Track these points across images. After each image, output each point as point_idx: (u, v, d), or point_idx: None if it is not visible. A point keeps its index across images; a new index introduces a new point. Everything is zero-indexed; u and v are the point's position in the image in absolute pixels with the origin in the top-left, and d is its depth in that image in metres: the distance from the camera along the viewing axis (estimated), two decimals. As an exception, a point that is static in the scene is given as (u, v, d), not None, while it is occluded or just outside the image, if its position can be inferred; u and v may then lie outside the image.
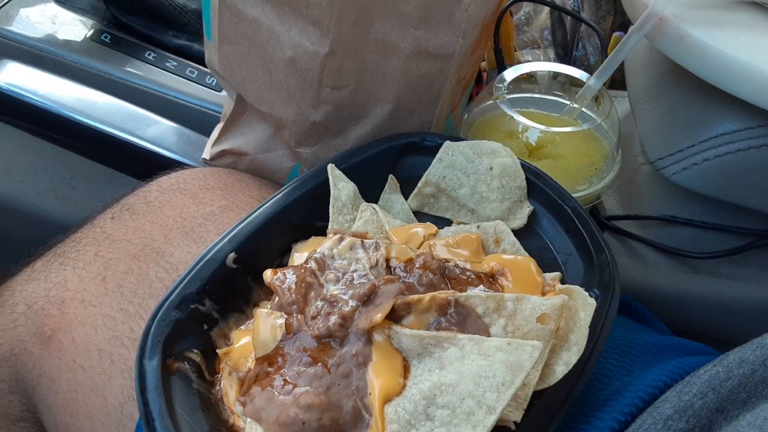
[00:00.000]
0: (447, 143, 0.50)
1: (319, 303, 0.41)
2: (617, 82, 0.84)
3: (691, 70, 0.53)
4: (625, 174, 0.66)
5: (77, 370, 0.47)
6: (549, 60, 0.84)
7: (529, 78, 0.65)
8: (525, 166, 0.49)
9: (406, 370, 0.38)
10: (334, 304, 0.41)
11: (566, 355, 0.39)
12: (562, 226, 0.47)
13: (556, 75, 0.65)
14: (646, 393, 0.41)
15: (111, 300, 0.49)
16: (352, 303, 0.40)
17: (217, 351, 0.42)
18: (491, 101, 0.60)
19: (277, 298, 0.42)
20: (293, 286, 0.42)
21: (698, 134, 0.56)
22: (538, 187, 0.48)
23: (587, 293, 0.40)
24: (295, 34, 0.50)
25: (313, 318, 0.40)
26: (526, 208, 0.48)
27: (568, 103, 0.63)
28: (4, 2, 0.81)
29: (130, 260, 0.51)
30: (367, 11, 0.48)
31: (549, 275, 0.44)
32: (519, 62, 0.76)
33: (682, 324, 0.60)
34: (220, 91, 0.81)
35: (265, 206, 0.47)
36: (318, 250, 0.44)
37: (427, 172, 0.50)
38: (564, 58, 0.83)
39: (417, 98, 0.55)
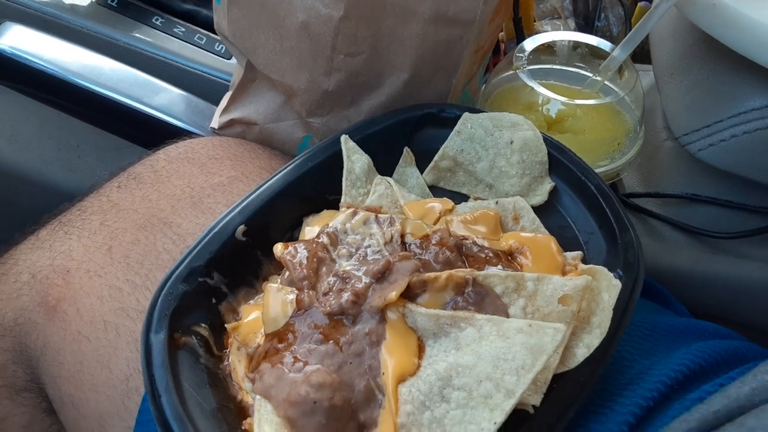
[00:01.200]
0: (466, 115, 0.48)
1: (331, 279, 0.40)
2: (637, 55, 0.82)
3: (723, 41, 0.51)
4: (646, 150, 0.64)
5: (82, 341, 0.46)
6: (569, 31, 0.81)
7: (549, 49, 0.62)
8: (547, 140, 0.47)
9: (420, 350, 0.37)
10: (347, 280, 0.39)
11: (588, 337, 0.37)
12: (584, 204, 0.45)
13: (576, 46, 0.62)
14: (669, 377, 0.40)
15: (117, 271, 0.47)
16: (365, 279, 0.38)
17: (226, 326, 0.41)
18: (510, 72, 0.58)
19: (287, 273, 0.41)
20: (305, 261, 0.40)
21: (727, 109, 0.54)
22: (560, 163, 0.46)
23: (611, 274, 0.38)
24: (308, -3, 0.47)
25: (325, 294, 0.39)
26: (547, 184, 0.46)
27: (589, 75, 0.60)
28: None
29: (137, 230, 0.49)
30: (385, -27, 0.46)
31: (570, 254, 0.43)
32: (538, 33, 0.73)
33: (701, 306, 0.58)
34: (229, 59, 0.79)
35: (276, 177, 0.45)
36: (330, 225, 0.42)
37: (444, 145, 0.48)
38: (585, 28, 0.80)
39: (434, 67, 0.53)
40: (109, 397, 0.44)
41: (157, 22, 0.79)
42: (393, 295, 0.37)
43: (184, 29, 0.79)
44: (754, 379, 0.37)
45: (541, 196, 0.46)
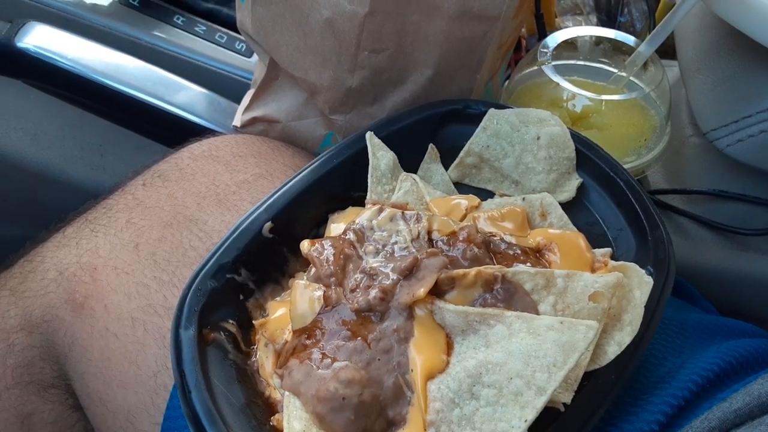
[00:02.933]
0: (491, 111, 0.47)
1: (358, 275, 0.40)
2: (661, 50, 0.80)
3: (751, 35, 0.50)
4: (672, 146, 0.63)
5: (110, 338, 0.46)
6: (591, 26, 0.80)
7: (571, 45, 0.61)
8: (574, 136, 0.46)
9: (449, 347, 0.37)
10: (374, 277, 0.39)
11: (619, 335, 0.37)
12: (613, 200, 0.44)
13: (599, 41, 0.62)
14: (700, 376, 0.39)
15: (144, 268, 0.48)
16: (393, 276, 0.38)
17: (253, 322, 0.41)
18: (534, 68, 0.57)
19: (314, 270, 0.41)
20: (331, 258, 0.40)
21: (755, 104, 0.53)
22: (588, 158, 0.45)
23: (643, 271, 0.37)
24: (333, -6, 0.47)
25: (352, 291, 0.39)
26: (575, 180, 0.46)
27: (613, 70, 0.60)
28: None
29: (163, 228, 0.49)
30: (410, -31, 0.46)
31: (599, 251, 0.42)
32: (559, 29, 0.73)
33: (728, 303, 0.57)
34: (249, 57, 0.79)
35: (301, 175, 0.45)
36: (357, 221, 0.42)
37: (469, 142, 0.47)
38: (607, 24, 0.79)
39: (458, 63, 0.52)
40: (137, 393, 0.44)
41: (179, 21, 0.79)
42: (421, 291, 0.37)
43: (205, 28, 0.79)
44: None
45: (568, 192, 0.45)
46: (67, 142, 0.72)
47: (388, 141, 0.47)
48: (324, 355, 0.37)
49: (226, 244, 0.41)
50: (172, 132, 0.70)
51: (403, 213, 0.43)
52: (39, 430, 0.51)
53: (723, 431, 0.36)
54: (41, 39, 0.71)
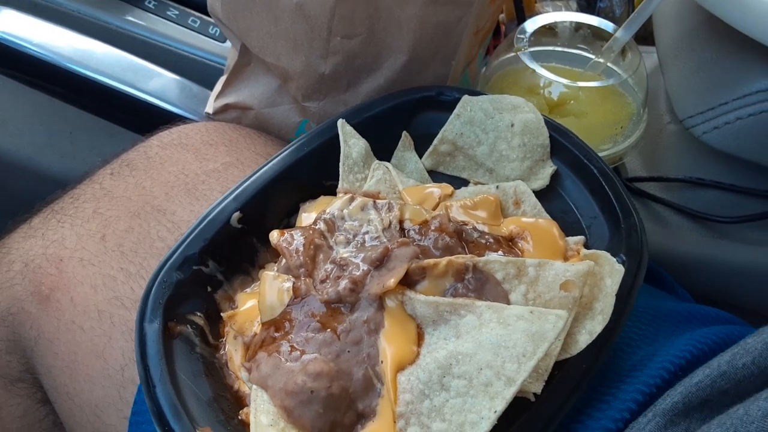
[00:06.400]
0: (465, 98, 0.47)
1: (329, 266, 0.39)
2: (640, 36, 0.80)
3: (729, 21, 0.49)
4: (649, 134, 0.63)
5: (76, 331, 0.45)
6: (571, 12, 0.79)
7: (550, 31, 0.61)
8: (549, 123, 0.45)
9: (420, 338, 0.36)
10: (345, 267, 0.38)
11: (590, 324, 0.37)
12: (587, 188, 0.44)
13: (578, 27, 0.61)
14: (672, 364, 0.39)
15: (111, 259, 0.47)
16: (363, 267, 0.38)
17: (222, 314, 0.41)
18: (511, 54, 0.56)
19: (284, 261, 0.40)
20: (301, 248, 0.40)
21: (732, 91, 0.52)
22: (563, 146, 0.45)
23: (614, 259, 0.37)
24: (303, -23, 0.46)
25: (322, 282, 0.38)
26: (549, 168, 0.45)
27: (592, 57, 0.59)
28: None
29: (130, 218, 0.48)
30: (382, -48, 0.45)
31: (572, 239, 0.42)
32: (539, 14, 0.72)
33: (704, 291, 0.58)
34: (223, 42, 0.77)
35: (271, 163, 0.44)
36: (327, 211, 0.42)
37: (443, 129, 0.47)
38: (587, 9, 0.79)
39: (433, 49, 0.51)
40: (105, 387, 0.44)
41: (150, 5, 0.77)
42: (391, 282, 0.36)
43: (177, 12, 0.78)
44: (736, 345, 0.36)
45: (542, 180, 0.45)
46: (36, 129, 0.70)
47: (361, 129, 0.46)
48: (293, 348, 0.37)
49: (192, 236, 0.40)
50: (143, 119, 0.68)
51: (374, 202, 0.42)
52: (7, 424, 0.50)
53: (688, 405, 0.35)
54: (7, 24, 0.69)
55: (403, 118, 0.48)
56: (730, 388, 0.35)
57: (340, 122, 0.46)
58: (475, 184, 0.47)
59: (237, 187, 0.43)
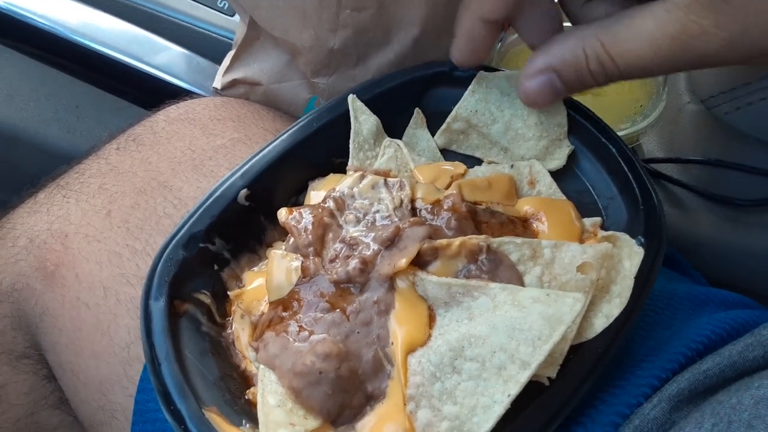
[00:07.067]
0: (480, 74, 0.45)
1: (338, 245, 0.38)
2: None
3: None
4: (668, 114, 0.61)
5: (81, 308, 0.44)
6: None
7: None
8: (566, 101, 0.44)
9: (431, 320, 0.35)
10: (354, 247, 0.37)
11: (607, 307, 0.36)
12: (604, 168, 0.42)
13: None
14: (689, 348, 0.38)
15: (116, 235, 0.46)
16: (374, 246, 0.37)
17: (229, 293, 0.40)
18: (527, 29, 0.55)
19: (292, 239, 0.39)
20: (310, 227, 0.39)
21: (756, 71, 0.51)
22: (580, 125, 0.43)
23: (633, 241, 0.36)
24: (314, -54, 0.45)
25: (331, 261, 0.37)
26: (566, 147, 0.44)
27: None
28: None
29: (136, 194, 0.48)
30: None
31: (588, 220, 0.41)
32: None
33: (721, 275, 0.56)
34: (232, 16, 0.76)
35: (280, 140, 0.43)
36: (337, 189, 0.41)
37: (457, 106, 0.45)
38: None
39: (445, 22, 0.50)
40: (110, 364, 0.43)
41: (158, -23, 0.76)
42: (403, 262, 0.35)
43: (185, -17, 0.76)
44: (750, 335, 0.35)
45: (559, 159, 0.43)
46: (42, 103, 0.69)
47: (372, 105, 0.45)
48: (301, 328, 0.36)
49: (198, 212, 0.39)
50: (150, 94, 0.67)
51: (385, 180, 0.41)
52: (13, 400, 0.50)
53: (694, 392, 0.35)
54: (12, -5, 0.68)
55: (415, 94, 0.47)
56: (735, 378, 0.34)
57: (351, 98, 0.44)
58: (489, 163, 0.45)
59: (245, 164, 0.42)
